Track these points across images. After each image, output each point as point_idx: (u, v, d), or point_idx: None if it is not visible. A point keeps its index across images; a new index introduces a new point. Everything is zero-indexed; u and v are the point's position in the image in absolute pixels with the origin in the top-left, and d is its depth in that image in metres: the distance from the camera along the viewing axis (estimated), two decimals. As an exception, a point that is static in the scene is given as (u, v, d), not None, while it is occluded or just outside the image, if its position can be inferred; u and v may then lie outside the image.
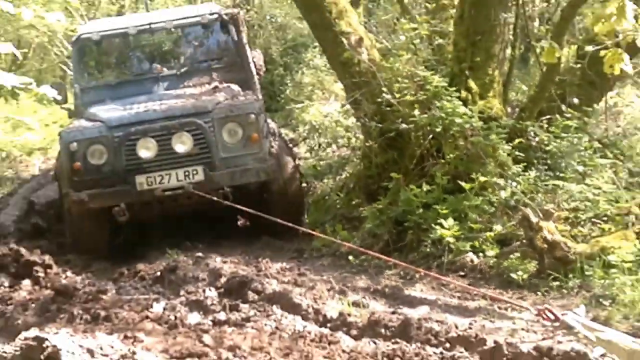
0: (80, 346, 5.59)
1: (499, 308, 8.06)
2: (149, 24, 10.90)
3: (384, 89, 11.06)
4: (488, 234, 9.52)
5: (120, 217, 9.26)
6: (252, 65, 10.93)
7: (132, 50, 11.17)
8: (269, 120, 10.76)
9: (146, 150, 9.18)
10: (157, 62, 11.08)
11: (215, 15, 10.98)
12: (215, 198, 9.26)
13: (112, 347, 5.98)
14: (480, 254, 9.38)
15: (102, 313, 7.48)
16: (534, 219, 8.76)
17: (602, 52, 4.61)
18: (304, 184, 11.09)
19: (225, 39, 11.09)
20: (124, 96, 10.36)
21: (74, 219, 9.63)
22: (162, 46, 11.21)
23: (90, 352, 5.54)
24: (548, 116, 10.82)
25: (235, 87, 10.50)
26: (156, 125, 9.29)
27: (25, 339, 5.64)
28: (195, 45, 11.26)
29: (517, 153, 10.31)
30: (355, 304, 8.02)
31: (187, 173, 9.15)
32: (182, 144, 9.24)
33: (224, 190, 9.24)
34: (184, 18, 11.12)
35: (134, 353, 5.79)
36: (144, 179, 9.15)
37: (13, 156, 17.80)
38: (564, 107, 10.68)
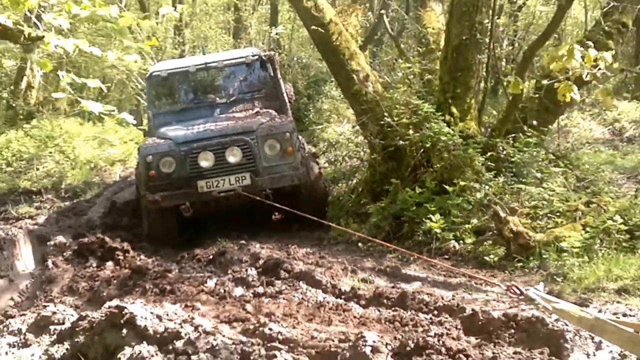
0: (151, 313, 5.58)
1: (475, 284, 8.02)
2: (205, 63, 11.12)
3: (386, 114, 11.09)
4: (467, 226, 9.51)
5: (185, 213, 9.43)
6: (285, 95, 11.10)
7: (192, 84, 11.29)
8: (300, 137, 10.88)
9: (205, 161, 9.36)
10: (211, 93, 11.23)
11: (256, 56, 11.17)
12: (258, 198, 9.37)
13: (175, 313, 5.97)
14: (461, 242, 9.37)
15: (168, 287, 7.48)
16: (502, 214, 8.75)
17: (556, 85, 4.58)
18: (326, 186, 11.16)
19: (263, 74, 11.21)
20: (186, 119, 10.50)
21: (150, 215, 9.80)
22: (215, 80, 11.36)
23: (159, 317, 5.53)
24: (513, 134, 10.79)
25: (272, 112, 10.56)
26: (213, 142, 9.44)
27: (109, 307, 5.64)
28: (240, 79, 11.33)
29: (489, 163, 10.30)
30: (364, 280, 8.01)
31: (237, 178, 9.32)
32: (233, 156, 9.39)
33: (266, 192, 9.34)
34: (232, 59, 11.32)
35: (192, 318, 5.78)
36: (204, 183, 9.31)
37: (99, 166, 17.83)
38: (525, 128, 10.65)
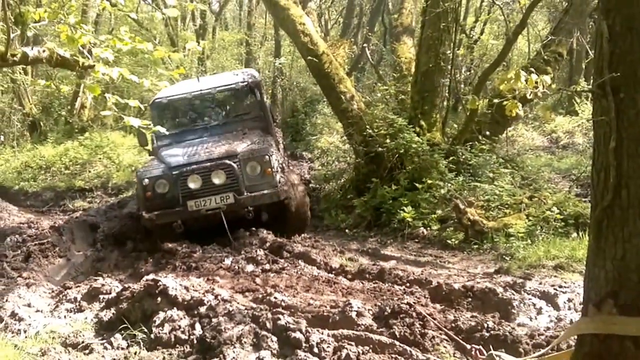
0: (180, 285, 5.55)
1: (440, 261, 8.03)
2: (200, 90, 10.29)
3: (367, 126, 11.10)
4: (433, 215, 9.51)
5: (177, 230, 8.71)
6: (270, 117, 10.33)
7: (189, 108, 10.44)
8: (284, 159, 10.30)
9: (194, 182, 8.66)
10: (206, 116, 10.43)
11: (245, 83, 10.31)
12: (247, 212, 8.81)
13: (199, 285, 5.95)
14: (428, 228, 9.38)
15: (193, 265, 7.45)
16: (462, 206, 8.74)
17: (504, 102, 4.55)
18: (308, 204, 9.88)
19: (251, 98, 10.34)
20: (184, 141, 9.80)
21: (147, 231, 9.12)
22: (209, 105, 10.52)
23: (186, 288, 5.51)
24: (470, 143, 10.78)
25: (259, 133, 9.78)
26: (200, 166, 8.73)
27: (147, 280, 5.62)
28: (231, 103, 10.56)
29: (451, 165, 10.32)
30: (350, 259, 7.99)
31: (222, 198, 8.62)
32: (218, 178, 8.67)
33: (248, 209, 8.65)
34: (224, 85, 10.44)
35: (213, 289, 5.75)
36: (193, 202, 8.60)
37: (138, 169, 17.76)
38: (480, 137, 10.65)
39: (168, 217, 8.68)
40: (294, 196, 9.25)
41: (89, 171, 17.28)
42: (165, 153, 9.43)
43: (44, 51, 7.18)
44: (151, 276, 5.79)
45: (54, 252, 8.43)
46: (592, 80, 3.46)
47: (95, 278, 6.90)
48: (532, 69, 4.57)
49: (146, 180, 8.78)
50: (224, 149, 9.08)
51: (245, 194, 8.72)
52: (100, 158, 17.99)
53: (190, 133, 10.05)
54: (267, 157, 8.85)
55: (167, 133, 9.04)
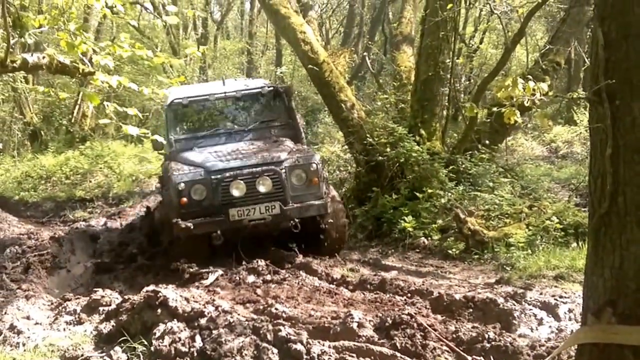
0: (181, 296, 5.56)
1: (441, 271, 8.02)
2: (224, 92, 9.52)
3: (368, 135, 11.11)
4: (434, 225, 9.50)
5: (216, 241, 7.91)
6: (300, 125, 9.61)
7: (211, 111, 9.67)
8: (323, 168, 8.98)
9: (237, 189, 7.91)
10: (230, 120, 9.63)
11: (272, 87, 9.69)
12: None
13: (200, 296, 5.95)
14: (429, 238, 9.37)
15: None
16: (462, 216, 8.74)
17: (503, 110, 4.57)
18: (346, 220, 9.00)
19: (279, 105, 9.58)
20: (206, 146, 8.96)
21: (181, 242, 8.14)
22: (233, 109, 9.70)
23: (187, 299, 5.50)
24: (470, 152, 10.78)
25: (289, 142, 8.96)
26: (244, 171, 7.98)
27: (146, 292, 5.61)
28: (257, 108, 9.64)
29: (451, 175, 10.32)
30: (351, 270, 7.99)
31: (267, 207, 7.89)
32: (263, 186, 7.94)
33: (294, 221, 7.96)
34: (249, 89, 9.63)
35: (213, 300, 5.76)
36: (235, 211, 7.84)
37: (139, 179, 17.78)
38: (480, 146, 10.64)
39: (207, 227, 7.91)
40: (335, 212, 8.54)
41: (90, 181, 17.33)
42: (192, 157, 8.63)
43: (43, 57, 7.24)
44: (151, 287, 5.78)
45: (53, 263, 8.43)
46: (588, 87, 3.47)
47: (95, 289, 6.89)
48: (530, 77, 4.58)
49: (182, 185, 7.96)
50: (264, 154, 8.37)
51: (291, 204, 8.06)
52: (101, 167, 18.05)
53: (211, 139, 9.22)
54: (314, 165, 8.25)
55: (182, 137, 9.06)
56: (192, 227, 7.77)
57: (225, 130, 9.41)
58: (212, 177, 8.00)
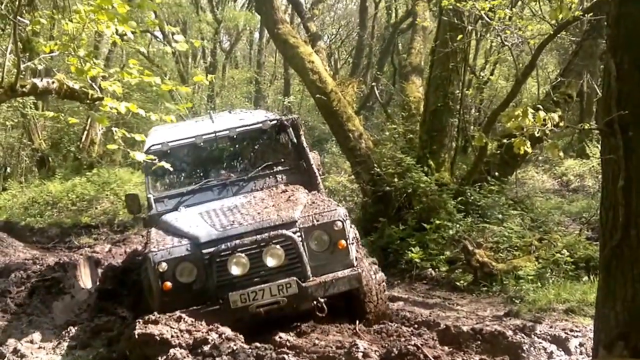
0: (180, 330, 5.50)
1: (449, 303, 7.96)
2: (214, 132, 7.55)
3: (375, 165, 11.14)
4: (441, 257, 9.47)
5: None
6: (314, 166, 7.55)
7: (200, 157, 7.68)
8: (352, 226, 6.80)
9: (238, 266, 6.03)
10: (224, 168, 7.64)
11: (275, 121, 7.72)
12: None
13: (202, 325, 5.86)
14: (436, 270, 9.33)
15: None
16: (470, 248, 8.70)
17: (513, 140, 4.57)
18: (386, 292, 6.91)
19: (286, 142, 7.70)
20: (195, 203, 7.14)
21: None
22: (227, 152, 7.80)
23: (189, 332, 5.44)
24: (479, 183, 10.74)
25: (302, 190, 7.12)
26: (246, 240, 6.08)
27: (146, 326, 5.54)
28: (258, 150, 7.76)
29: (459, 206, 10.28)
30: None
31: (280, 287, 5.99)
32: (273, 257, 6.08)
33: (319, 302, 6.11)
34: (246, 125, 7.71)
35: (217, 327, 5.66)
36: (238, 296, 5.94)
37: (145, 205, 17.75)
38: (489, 178, 10.63)
39: (202, 320, 5.82)
40: (370, 278, 6.54)
41: (96, 207, 17.36)
42: (177, 222, 6.72)
43: (53, 83, 7.32)
44: (144, 329, 5.41)
45: (58, 288, 8.42)
46: (600, 119, 3.47)
47: (99, 315, 6.86)
48: (541, 108, 4.58)
49: (164, 265, 5.99)
50: (270, 213, 6.43)
51: (312, 278, 6.14)
52: (107, 194, 18.08)
53: (202, 194, 7.32)
54: (339, 223, 6.30)
55: (164, 195, 7.28)
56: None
57: (218, 181, 7.43)
58: (204, 250, 6.12)
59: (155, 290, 6.03)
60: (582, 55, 11.30)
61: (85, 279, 9.41)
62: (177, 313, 5.69)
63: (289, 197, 6.86)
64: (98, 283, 9.18)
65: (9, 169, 21.23)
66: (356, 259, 6.37)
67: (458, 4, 10.13)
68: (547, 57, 19.68)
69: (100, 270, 9.93)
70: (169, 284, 5.96)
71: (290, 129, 7.71)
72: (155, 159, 6.38)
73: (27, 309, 7.32)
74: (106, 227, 15.91)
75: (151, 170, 7.12)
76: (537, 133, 4.25)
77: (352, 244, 6.42)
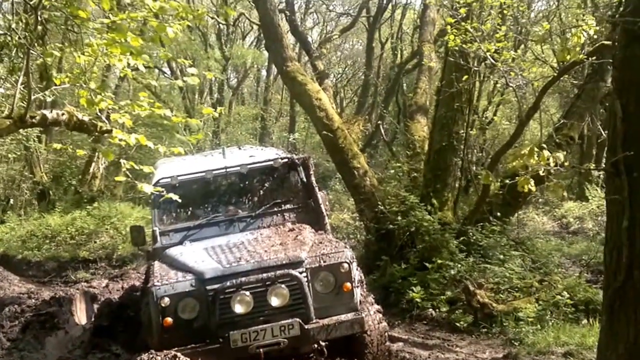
0: None
1: (448, 344, 7.89)
2: (225, 167, 7.58)
3: (379, 203, 11.14)
4: (442, 296, 9.40)
5: None
6: (322, 206, 7.53)
7: (208, 193, 7.63)
8: (358, 268, 6.71)
9: (242, 304, 5.96)
10: (232, 203, 7.57)
11: (285, 159, 7.78)
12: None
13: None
14: (437, 310, 9.26)
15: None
16: (471, 288, 8.66)
17: (517, 179, 4.56)
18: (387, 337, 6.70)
19: (295, 181, 7.74)
20: (201, 238, 7.11)
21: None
22: (236, 188, 7.71)
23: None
24: (481, 223, 10.70)
25: (308, 229, 7.07)
26: (252, 278, 6.02)
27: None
28: (267, 187, 7.69)
29: (461, 246, 10.25)
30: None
31: (282, 328, 5.92)
32: (277, 297, 6.01)
33: (320, 345, 6.04)
34: (257, 162, 7.73)
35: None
36: (239, 335, 5.85)
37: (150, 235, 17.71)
38: (491, 218, 10.60)
39: (201, 358, 5.80)
40: (374, 328, 6.43)
41: (95, 241, 17.27)
42: (182, 256, 6.67)
43: (62, 114, 7.36)
44: (147, 357, 5.41)
45: (52, 323, 8.34)
46: (605, 159, 3.47)
47: (93, 352, 6.78)
48: (545, 147, 4.59)
49: (166, 300, 5.92)
50: (277, 252, 6.38)
51: (315, 320, 6.06)
52: (107, 228, 18.00)
53: (208, 229, 7.28)
54: (345, 265, 6.23)
55: (170, 228, 7.23)
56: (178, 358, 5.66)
57: (225, 216, 7.42)
58: (207, 287, 6.06)
59: (154, 326, 5.93)
60: (584, 98, 11.37)
61: (81, 315, 9.31)
62: (173, 352, 5.55)
63: (296, 236, 6.81)
64: (93, 319, 9.09)
65: (12, 201, 21.23)
66: (360, 303, 6.31)
67: (464, 45, 10.24)
68: (548, 100, 19.78)
69: (96, 306, 9.85)
70: (169, 319, 5.88)
71: (301, 167, 7.77)
72: (163, 192, 6.36)
73: (19, 344, 7.24)
74: (104, 262, 15.81)
75: (159, 202, 7.11)
76: (542, 172, 4.25)
77: (357, 287, 6.35)
